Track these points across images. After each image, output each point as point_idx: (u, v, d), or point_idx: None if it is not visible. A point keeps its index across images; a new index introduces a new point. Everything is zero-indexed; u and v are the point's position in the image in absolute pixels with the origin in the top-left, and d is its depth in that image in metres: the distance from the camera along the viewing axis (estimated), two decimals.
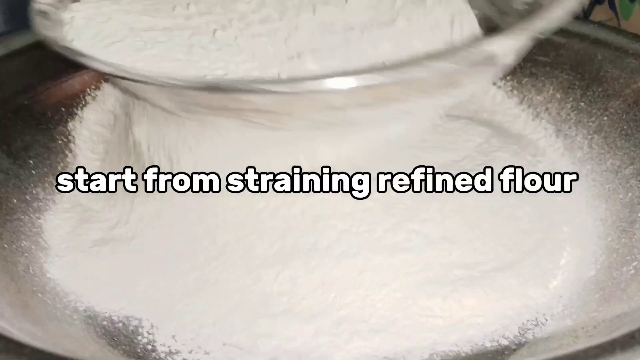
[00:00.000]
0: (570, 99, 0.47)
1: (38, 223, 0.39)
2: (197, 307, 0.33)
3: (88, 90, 0.48)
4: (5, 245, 0.36)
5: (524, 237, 0.37)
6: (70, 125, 0.45)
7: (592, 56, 0.46)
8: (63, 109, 0.46)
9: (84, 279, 0.36)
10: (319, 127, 0.33)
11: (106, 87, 0.48)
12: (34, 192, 0.40)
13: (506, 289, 0.34)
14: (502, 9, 0.38)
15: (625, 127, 0.43)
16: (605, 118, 0.44)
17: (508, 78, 0.50)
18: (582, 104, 0.46)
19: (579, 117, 0.46)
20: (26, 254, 0.37)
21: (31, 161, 0.42)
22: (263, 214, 0.35)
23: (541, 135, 0.47)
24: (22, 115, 0.43)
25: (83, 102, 0.47)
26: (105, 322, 0.34)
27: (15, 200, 0.39)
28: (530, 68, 0.49)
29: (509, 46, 0.29)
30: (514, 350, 0.32)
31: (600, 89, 0.45)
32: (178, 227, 0.36)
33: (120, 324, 0.34)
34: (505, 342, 0.33)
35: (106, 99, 0.48)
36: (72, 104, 0.46)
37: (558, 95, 0.47)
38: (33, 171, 0.41)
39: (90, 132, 0.44)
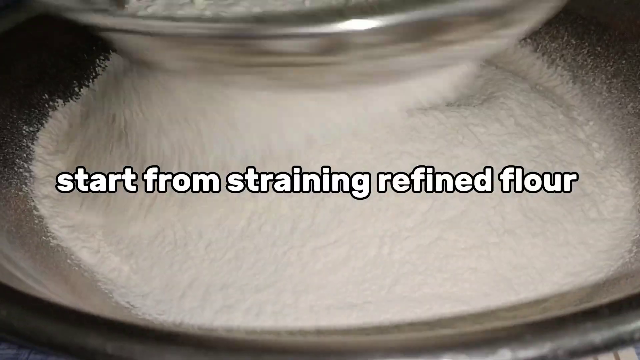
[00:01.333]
0: (586, 44, 0.46)
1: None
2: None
3: (97, 61, 0.47)
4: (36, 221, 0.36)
5: None
6: (85, 98, 0.45)
7: None
8: (75, 82, 0.45)
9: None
10: (357, 81, 0.31)
11: (114, 57, 0.48)
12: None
13: None
14: None
15: None
16: (623, 61, 0.44)
17: None
18: (599, 48, 0.45)
19: (596, 62, 0.45)
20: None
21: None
22: None
23: (557, 83, 0.47)
24: (39, 90, 0.42)
25: (94, 74, 0.46)
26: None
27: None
28: None
29: None
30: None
31: (617, 32, 0.45)
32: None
33: None
34: None
35: (116, 69, 0.47)
36: (83, 75, 0.46)
37: (573, 41, 0.47)
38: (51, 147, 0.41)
39: None
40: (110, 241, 0.36)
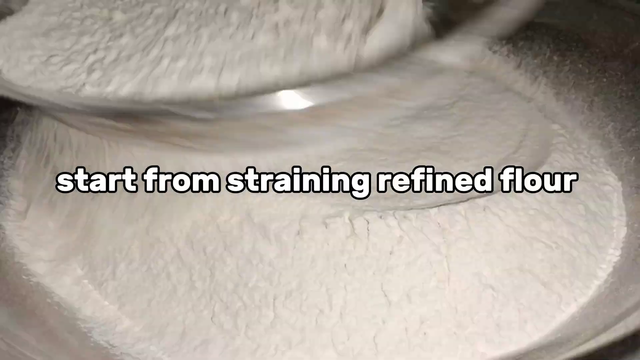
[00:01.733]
0: (568, 61, 0.46)
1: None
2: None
3: None
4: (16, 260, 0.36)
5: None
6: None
7: (588, 16, 0.45)
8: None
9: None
10: (253, 147, 0.32)
11: None
12: None
13: None
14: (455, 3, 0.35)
15: (625, 88, 0.42)
16: (604, 80, 0.44)
17: (504, 42, 0.49)
18: (581, 65, 0.45)
19: (578, 79, 0.45)
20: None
21: None
22: None
23: (541, 99, 0.47)
24: None
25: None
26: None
27: None
28: (526, 31, 0.48)
29: (455, 55, 0.26)
30: None
31: (597, 50, 0.44)
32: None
33: None
34: None
35: None
36: None
37: (555, 58, 0.47)
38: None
39: None
40: (90, 276, 0.36)
